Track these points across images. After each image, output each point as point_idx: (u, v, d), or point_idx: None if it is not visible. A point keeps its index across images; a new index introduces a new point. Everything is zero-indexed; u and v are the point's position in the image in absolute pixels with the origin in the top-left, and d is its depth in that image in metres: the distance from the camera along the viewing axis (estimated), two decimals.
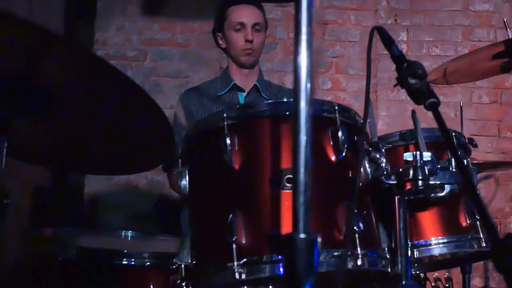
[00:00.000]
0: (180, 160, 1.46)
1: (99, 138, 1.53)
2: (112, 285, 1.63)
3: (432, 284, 2.84)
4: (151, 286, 1.63)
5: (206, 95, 2.70)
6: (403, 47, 4.29)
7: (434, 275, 2.81)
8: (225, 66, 2.89)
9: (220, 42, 2.76)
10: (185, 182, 1.40)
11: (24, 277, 1.61)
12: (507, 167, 2.96)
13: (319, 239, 0.74)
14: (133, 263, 1.63)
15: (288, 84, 4.00)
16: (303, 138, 0.84)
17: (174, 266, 1.51)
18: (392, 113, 4.13)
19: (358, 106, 1.49)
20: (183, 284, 1.36)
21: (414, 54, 4.26)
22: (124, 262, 1.63)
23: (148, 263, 1.63)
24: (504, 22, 2.11)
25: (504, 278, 0.93)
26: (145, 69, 4.12)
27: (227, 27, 2.66)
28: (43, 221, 3.17)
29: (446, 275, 2.92)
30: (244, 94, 2.73)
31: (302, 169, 0.83)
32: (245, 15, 2.63)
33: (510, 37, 2.01)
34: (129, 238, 1.99)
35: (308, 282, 0.74)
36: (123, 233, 2.01)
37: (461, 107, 2.73)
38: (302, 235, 0.73)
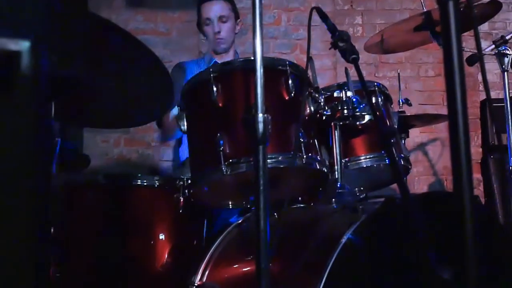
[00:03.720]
0: (179, 108, 2.04)
1: (108, 92, 1.79)
2: (128, 202, 2.15)
3: None
4: (159, 203, 2.20)
5: (192, 70, 3.25)
6: (359, 29, 4.84)
7: None
8: (204, 51, 3.46)
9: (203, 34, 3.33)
10: (184, 122, 1.98)
11: (67, 199, 2.15)
12: (442, 119, 3.56)
13: (269, 117, 1.32)
14: (145, 183, 2.16)
15: None
16: (259, 83, 1.41)
17: (177, 186, 2.10)
18: None
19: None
20: (186, 191, 1.95)
21: (368, 35, 4.77)
22: (139, 183, 2.15)
23: (157, 184, 2.17)
24: (421, 2, 2.69)
25: (386, 152, 1.53)
26: None
27: (201, 23, 3.21)
28: None
29: None
30: None
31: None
32: (210, 10, 3.14)
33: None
34: None
35: (265, 143, 1.31)
36: None
37: (398, 74, 3.34)
38: (260, 115, 1.31)
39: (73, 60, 0.86)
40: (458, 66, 0.87)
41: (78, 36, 0.90)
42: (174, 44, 4.67)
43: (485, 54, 2.96)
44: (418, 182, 4.68)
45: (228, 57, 3.30)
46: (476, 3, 2.60)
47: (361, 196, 2.40)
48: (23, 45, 0.73)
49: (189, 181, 1.99)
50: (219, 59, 3.25)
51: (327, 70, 4.60)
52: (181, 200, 2.12)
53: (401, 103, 3.24)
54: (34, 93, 0.75)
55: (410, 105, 3.26)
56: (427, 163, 4.73)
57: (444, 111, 4.70)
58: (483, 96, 4.78)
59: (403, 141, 2.92)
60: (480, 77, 4.73)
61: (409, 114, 3.16)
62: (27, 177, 0.78)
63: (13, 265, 0.82)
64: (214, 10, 3.14)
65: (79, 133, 4.53)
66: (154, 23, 4.73)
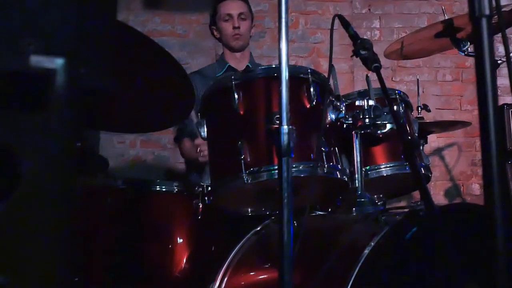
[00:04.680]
0: (199, 114, 2.03)
1: (127, 97, 1.76)
2: (147, 208, 2.16)
3: None
4: (177, 209, 2.20)
5: (207, 77, 3.27)
6: (376, 33, 4.82)
7: None
8: (220, 53, 3.48)
9: (215, 33, 3.36)
10: (204, 129, 1.98)
11: (85, 203, 2.15)
12: (461, 126, 3.54)
13: (294, 129, 1.32)
14: (164, 189, 2.18)
15: None
16: (285, 95, 1.40)
17: (196, 192, 2.10)
18: None
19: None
20: (205, 198, 1.94)
21: (386, 39, 4.78)
22: (157, 188, 2.17)
23: (176, 190, 2.18)
24: (442, 9, 2.67)
25: (409, 165, 1.52)
26: None
27: (219, 20, 3.26)
28: None
29: None
30: None
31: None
32: (231, 7, 3.22)
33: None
34: None
35: (290, 155, 1.31)
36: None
37: (417, 80, 3.32)
38: (285, 127, 1.31)
39: (102, 72, 0.86)
40: (491, 83, 0.86)
41: (106, 47, 0.89)
42: (192, 46, 4.68)
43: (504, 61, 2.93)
44: (435, 187, 4.65)
45: (244, 59, 3.33)
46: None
47: (380, 203, 2.39)
48: (58, 63, 0.73)
49: (209, 188, 1.98)
50: (234, 62, 3.29)
51: (344, 74, 4.58)
52: (200, 207, 2.12)
53: (419, 109, 3.22)
54: (69, 111, 0.75)
55: (429, 111, 3.25)
56: (444, 168, 4.70)
57: (461, 115, 4.68)
58: (500, 101, 4.73)
59: (421, 147, 2.91)
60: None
61: (427, 121, 3.14)
62: (59, 193, 0.78)
63: (45, 273, 0.83)
64: (235, 7, 3.23)
65: (95, 134, 4.54)
66: (172, 25, 4.73)
